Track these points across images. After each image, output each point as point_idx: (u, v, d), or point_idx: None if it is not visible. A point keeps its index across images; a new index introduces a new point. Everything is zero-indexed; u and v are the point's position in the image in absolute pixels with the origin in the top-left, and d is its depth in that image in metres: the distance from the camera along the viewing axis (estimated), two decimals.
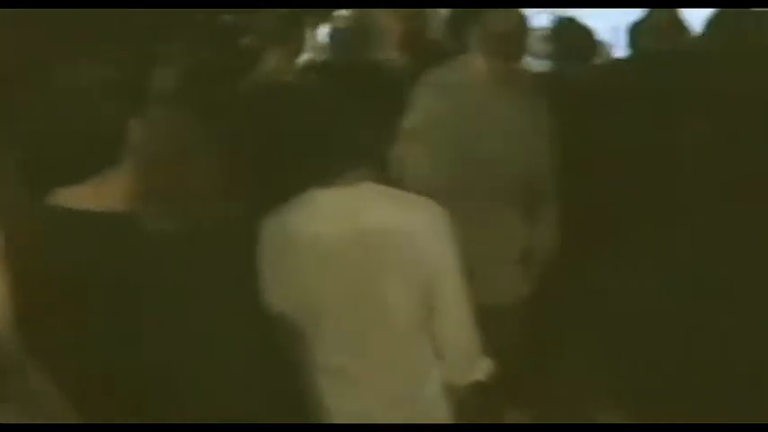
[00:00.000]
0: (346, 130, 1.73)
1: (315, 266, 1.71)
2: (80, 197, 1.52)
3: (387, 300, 1.72)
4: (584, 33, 3.40)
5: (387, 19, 3.30)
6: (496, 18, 2.45)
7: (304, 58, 3.20)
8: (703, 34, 2.17)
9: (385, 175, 1.84)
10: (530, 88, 2.49)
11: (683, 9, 3.16)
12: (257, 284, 1.75)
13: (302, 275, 1.72)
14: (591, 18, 3.78)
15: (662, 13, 3.14)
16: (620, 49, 3.91)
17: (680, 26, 3.12)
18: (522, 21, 2.45)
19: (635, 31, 3.19)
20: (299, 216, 1.73)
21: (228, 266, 1.76)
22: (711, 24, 2.14)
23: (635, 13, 3.29)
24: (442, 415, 1.87)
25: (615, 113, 2.92)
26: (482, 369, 1.87)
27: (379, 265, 1.71)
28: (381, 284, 1.72)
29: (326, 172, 1.72)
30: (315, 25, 3.63)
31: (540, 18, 4.17)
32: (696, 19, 3.01)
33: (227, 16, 3.53)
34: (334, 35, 2.95)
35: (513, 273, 2.45)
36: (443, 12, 3.45)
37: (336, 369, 1.76)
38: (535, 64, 3.71)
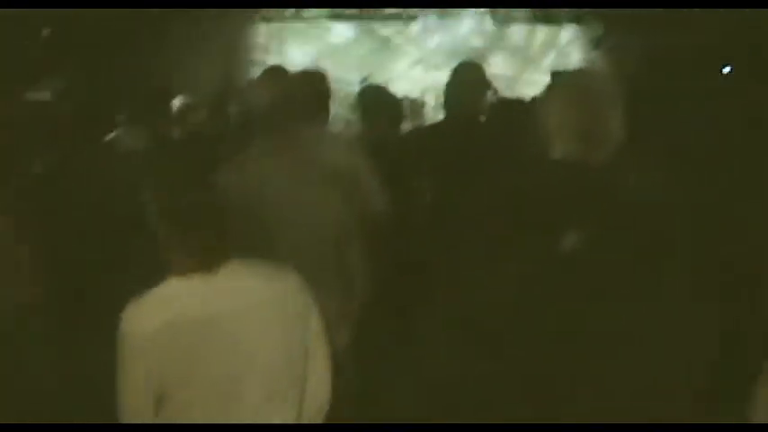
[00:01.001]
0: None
1: (196, 349, 1.68)
2: None
3: (266, 369, 1.75)
4: (391, 99, 3.54)
5: None
6: (254, 93, 2.56)
7: None
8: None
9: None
10: (322, 150, 2.58)
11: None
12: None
13: (183, 360, 1.69)
14: (400, 81, 3.98)
15: (467, 73, 3.29)
16: (431, 111, 4.15)
17: (486, 85, 3.29)
18: (284, 89, 2.54)
19: (444, 92, 3.36)
20: (170, 305, 1.70)
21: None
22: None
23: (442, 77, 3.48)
24: None
25: (425, 172, 3.07)
26: None
27: (259, 336, 1.74)
28: (261, 355, 1.75)
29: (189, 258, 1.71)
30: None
31: (350, 83, 4.37)
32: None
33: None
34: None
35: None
36: None
37: None
38: (352, 128, 3.84)
